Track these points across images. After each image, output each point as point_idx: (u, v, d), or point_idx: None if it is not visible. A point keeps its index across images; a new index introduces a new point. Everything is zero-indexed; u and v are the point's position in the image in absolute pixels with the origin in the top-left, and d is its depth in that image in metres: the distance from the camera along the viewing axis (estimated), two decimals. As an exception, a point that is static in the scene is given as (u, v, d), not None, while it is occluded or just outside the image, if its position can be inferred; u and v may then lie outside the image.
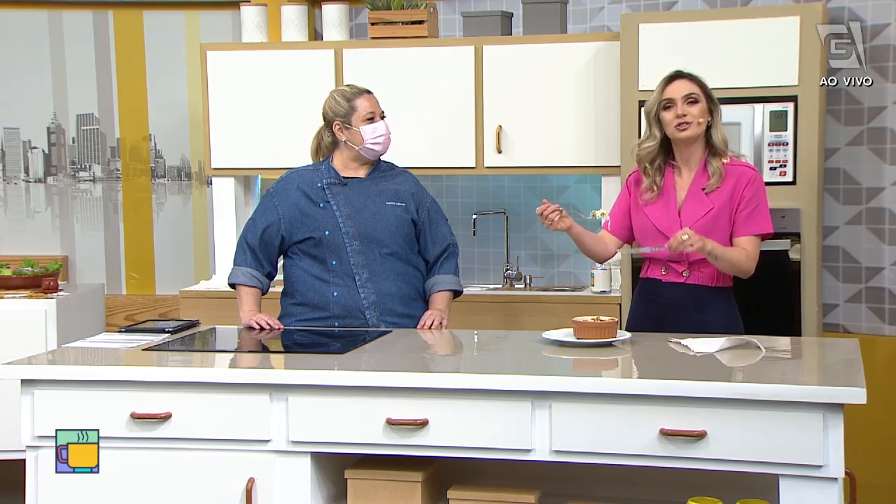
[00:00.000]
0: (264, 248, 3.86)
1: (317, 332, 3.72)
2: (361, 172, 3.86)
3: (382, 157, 3.92)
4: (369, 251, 3.78)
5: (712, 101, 3.62)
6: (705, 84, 3.63)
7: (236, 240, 5.26)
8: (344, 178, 3.84)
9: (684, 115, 3.56)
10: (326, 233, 3.78)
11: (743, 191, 3.59)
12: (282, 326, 3.78)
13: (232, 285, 3.91)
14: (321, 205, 3.81)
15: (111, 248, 5.95)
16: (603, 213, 3.73)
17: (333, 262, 3.79)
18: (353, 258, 3.77)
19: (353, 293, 3.77)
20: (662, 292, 3.67)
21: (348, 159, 3.86)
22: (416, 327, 3.78)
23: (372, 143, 3.80)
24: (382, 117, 3.83)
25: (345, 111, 3.81)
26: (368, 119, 3.79)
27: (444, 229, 3.95)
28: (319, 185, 3.83)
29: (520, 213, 5.46)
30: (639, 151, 3.69)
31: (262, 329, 3.73)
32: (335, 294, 3.78)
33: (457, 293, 3.95)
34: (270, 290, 3.94)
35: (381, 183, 3.86)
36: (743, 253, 3.59)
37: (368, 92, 3.86)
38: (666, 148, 3.67)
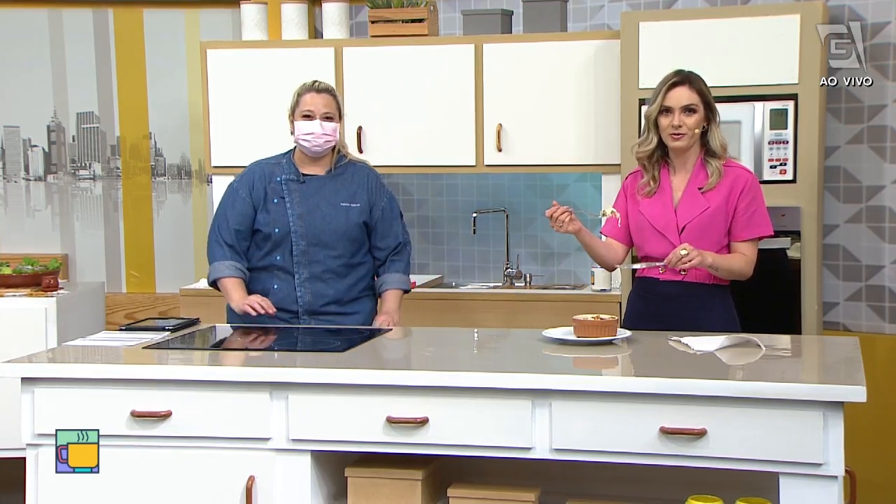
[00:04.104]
0: (239, 240, 3.92)
1: (317, 331, 3.73)
2: (319, 169, 3.92)
3: (352, 154, 4.01)
4: (313, 252, 3.86)
5: (710, 107, 3.63)
6: (705, 89, 3.64)
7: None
8: (303, 174, 3.90)
9: (679, 126, 3.59)
10: (276, 230, 3.86)
11: (739, 197, 3.61)
12: (274, 310, 3.79)
13: (214, 283, 3.92)
14: (275, 200, 3.88)
15: (111, 247, 5.94)
16: (613, 211, 3.71)
17: (278, 258, 3.88)
18: (297, 257, 3.86)
19: (291, 289, 3.86)
20: (660, 290, 3.67)
21: (301, 153, 3.94)
22: (351, 323, 3.84)
23: (301, 139, 3.87)
24: (328, 118, 3.84)
25: (293, 104, 3.91)
26: (305, 116, 3.84)
27: (397, 228, 4.00)
28: (279, 179, 3.91)
29: (520, 211, 5.46)
30: (637, 152, 3.73)
31: (258, 314, 3.76)
32: (275, 287, 3.88)
33: (405, 291, 4.02)
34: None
35: (339, 181, 3.92)
36: (742, 259, 3.62)
37: (323, 91, 3.88)
38: (663, 145, 3.69)
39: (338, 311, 3.89)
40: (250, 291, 3.89)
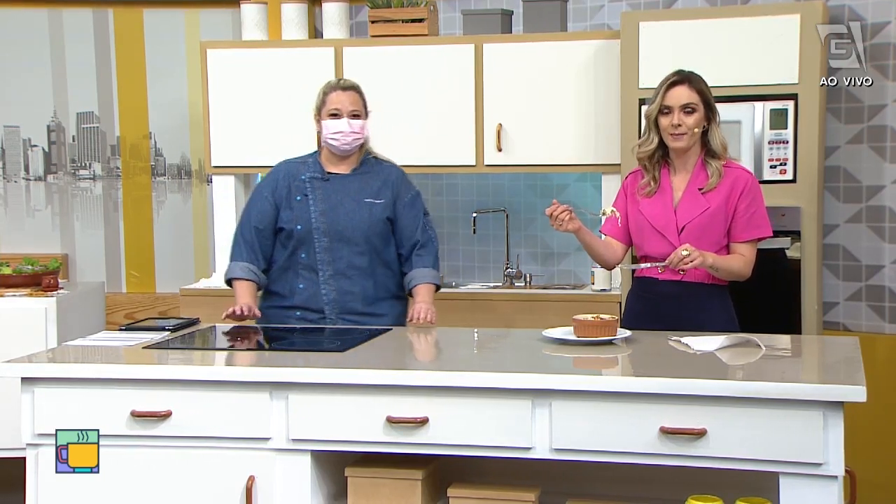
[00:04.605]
0: (261, 241, 3.90)
1: (317, 331, 3.73)
2: (345, 168, 3.90)
3: (378, 153, 3.96)
4: (336, 249, 3.82)
5: (710, 107, 3.63)
6: (705, 89, 3.64)
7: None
8: (327, 173, 3.88)
9: (679, 126, 3.59)
10: (298, 227, 3.84)
11: (739, 198, 3.62)
12: (258, 314, 3.78)
13: (229, 282, 3.92)
14: (298, 198, 3.86)
15: (111, 247, 5.95)
16: (613, 210, 3.71)
17: (303, 256, 3.85)
18: (320, 254, 3.83)
19: (316, 288, 3.83)
20: (659, 290, 3.67)
21: (328, 152, 3.92)
22: (378, 324, 3.78)
23: (329, 138, 3.84)
24: (355, 116, 3.82)
25: (319, 103, 3.88)
26: (333, 115, 3.82)
27: (419, 224, 3.94)
28: (303, 177, 3.89)
29: (520, 211, 5.46)
30: (638, 153, 3.72)
31: (235, 314, 3.74)
32: (301, 286, 3.85)
33: (437, 287, 3.95)
34: None
35: (364, 179, 3.89)
36: (741, 260, 3.62)
37: (349, 88, 3.86)
38: (664, 145, 3.69)
39: (365, 310, 3.83)
40: (277, 291, 3.88)
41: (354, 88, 3.88)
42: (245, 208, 3.98)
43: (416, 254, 3.92)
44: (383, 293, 3.89)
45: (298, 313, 3.84)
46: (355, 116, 3.83)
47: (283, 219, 3.86)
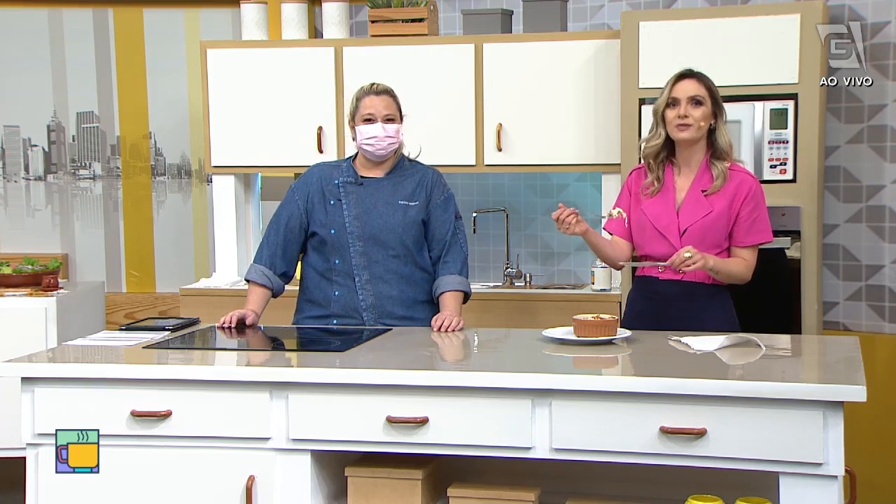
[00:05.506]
0: (286, 244, 3.85)
1: (316, 330, 3.72)
2: (379, 172, 3.86)
3: (413, 157, 3.93)
4: (373, 252, 3.77)
5: (717, 104, 3.63)
6: (713, 87, 3.64)
7: (236, 237, 5.33)
8: (361, 177, 3.84)
9: (685, 117, 3.58)
10: (332, 231, 3.79)
11: (743, 202, 3.61)
12: (251, 323, 3.72)
13: (247, 281, 3.92)
14: (332, 202, 3.81)
15: (111, 246, 5.95)
16: (619, 211, 3.70)
17: (336, 262, 3.79)
18: (356, 259, 3.77)
19: (353, 293, 3.77)
20: (659, 290, 3.67)
21: (362, 157, 3.87)
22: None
23: (364, 144, 3.80)
24: (389, 120, 3.78)
25: (352, 109, 3.84)
26: (366, 119, 3.78)
27: (448, 227, 3.88)
28: (337, 181, 3.84)
29: (520, 210, 5.46)
30: (644, 149, 3.71)
31: (223, 327, 3.69)
32: (336, 293, 3.79)
33: (466, 295, 3.87)
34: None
35: (397, 181, 3.85)
36: (742, 264, 3.62)
37: (382, 93, 3.81)
38: (670, 144, 3.69)
39: (404, 314, 3.77)
40: (314, 300, 3.83)
41: (388, 92, 3.82)
42: (276, 211, 3.93)
43: (444, 260, 3.85)
44: (421, 296, 3.83)
45: (335, 321, 3.78)
46: (389, 120, 3.77)
47: (316, 223, 3.81)
